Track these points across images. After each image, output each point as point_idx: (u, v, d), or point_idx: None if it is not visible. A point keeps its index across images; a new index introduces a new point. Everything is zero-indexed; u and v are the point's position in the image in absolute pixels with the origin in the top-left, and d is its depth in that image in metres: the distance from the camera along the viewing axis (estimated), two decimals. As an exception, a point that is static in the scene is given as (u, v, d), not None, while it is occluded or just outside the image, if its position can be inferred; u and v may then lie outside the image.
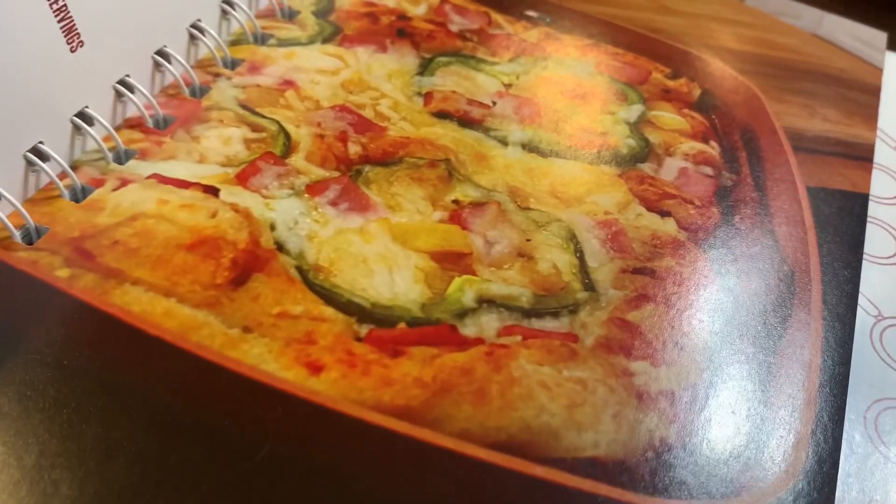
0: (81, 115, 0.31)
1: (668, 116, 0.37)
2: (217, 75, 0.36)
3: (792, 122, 0.38)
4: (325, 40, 0.39)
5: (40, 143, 0.30)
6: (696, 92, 0.39)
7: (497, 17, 0.42)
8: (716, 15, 0.44)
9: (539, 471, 0.24)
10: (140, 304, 0.26)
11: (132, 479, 0.22)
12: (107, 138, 0.32)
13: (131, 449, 0.23)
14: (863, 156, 0.36)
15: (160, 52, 0.34)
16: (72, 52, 0.30)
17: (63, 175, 0.30)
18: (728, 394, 0.26)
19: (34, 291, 0.27)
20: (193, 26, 0.36)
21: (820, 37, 0.44)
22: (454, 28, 0.41)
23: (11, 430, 0.23)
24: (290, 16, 0.40)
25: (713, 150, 0.36)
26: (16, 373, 0.24)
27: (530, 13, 0.43)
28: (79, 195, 0.30)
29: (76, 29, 0.30)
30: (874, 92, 0.40)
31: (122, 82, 0.33)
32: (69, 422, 0.23)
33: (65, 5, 0.30)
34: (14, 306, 0.26)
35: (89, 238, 0.28)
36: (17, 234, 0.28)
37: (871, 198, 0.35)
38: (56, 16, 0.29)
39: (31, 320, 0.26)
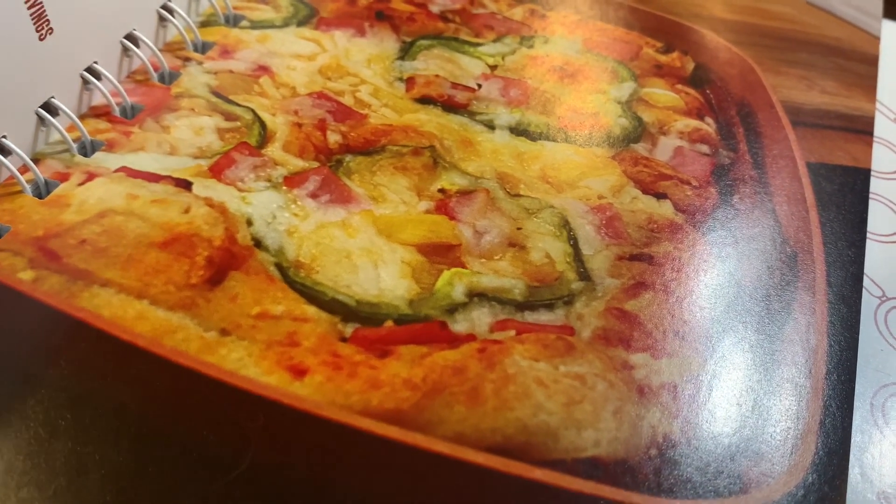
0: (46, 105, 0.29)
1: (661, 93, 0.36)
2: (187, 60, 0.34)
3: (790, 94, 0.36)
4: (301, 23, 0.37)
5: (3, 137, 0.28)
6: (690, 66, 0.38)
7: (480, -7, 0.41)
8: (708, -15, 0.43)
9: (538, 474, 0.22)
10: (111, 307, 0.25)
11: (106, 495, 0.21)
12: (71, 128, 0.30)
13: (105, 463, 0.22)
14: (863, 129, 0.35)
15: (129, 36, 0.32)
16: (40, 40, 0.28)
17: (24, 169, 0.28)
18: (732, 385, 0.25)
19: (-4, 297, 0.25)
20: (163, 7, 0.34)
21: (814, 4, 0.42)
22: (435, 9, 0.39)
23: (-26, 449, 0.21)
24: (263, -4, 0.38)
25: (709, 126, 0.35)
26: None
27: (514, -12, 0.41)
28: (42, 190, 0.28)
29: (46, 15, 0.28)
30: (872, 62, 0.39)
31: (89, 69, 0.31)
32: (37, 436, 0.22)
33: (36, -10, 0.28)
34: (-25, 314, 0.25)
35: (54, 237, 0.27)
36: (-23, 236, 0.26)
37: (872, 173, 0.33)
38: (26, 2, 0.27)
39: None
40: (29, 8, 0.27)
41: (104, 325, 0.25)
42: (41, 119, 0.29)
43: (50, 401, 0.23)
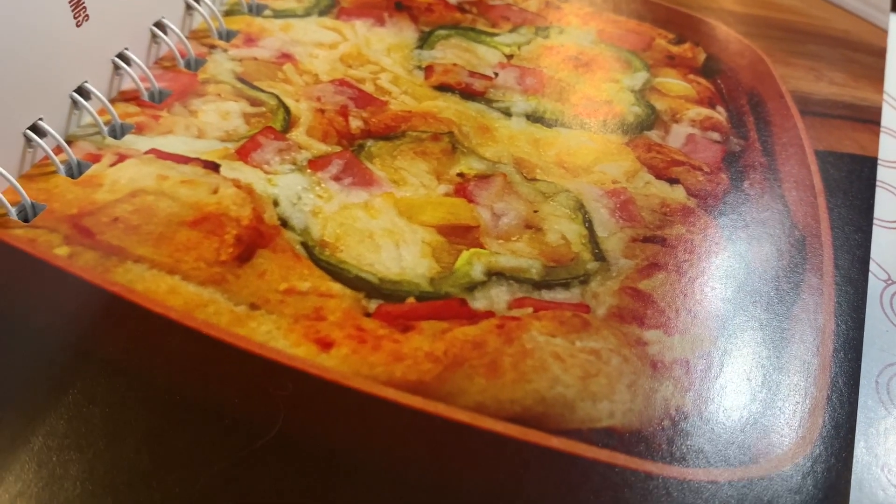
0: (79, 89, 0.30)
1: (673, 83, 0.37)
2: (212, 47, 0.35)
3: (798, 85, 0.37)
4: (322, 13, 0.38)
5: (40, 119, 0.29)
6: (701, 57, 0.39)
7: (496, -15, 0.42)
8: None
9: (555, 442, 0.23)
10: (144, 281, 0.26)
11: (142, 459, 0.22)
12: (102, 112, 0.31)
13: (140, 429, 0.23)
14: (870, 119, 0.36)
15: (157, 24, 0.33)
16: (77, 26, 0.29)
17: (58, 150, 0.29)
18: (743, 361, 0.26)
19: (33, 270, 0.26)
20: (189, -5, 0.35)
21: (824, -1, 0.43)
22: (453, 0, 0.40)
23: (16, 412, 0.22)
24: (285, -14, 0.39)
25: (720, 115, 0.35)
26: (16, 355, 0.24)
27: (529, -19, 0.42)
28: (74, 171, 0.29)
29: (84, 2, 0.29)
30: (880, 54, 0.39)
31: (120, 55, 0.32)
32: (75, 402, 0.23)
33: (76, -22, 0.29)
34: (12, 286, 0.26)
35: (88, 215, 0.28)
36: (13, 211, 0.27)
37: (879, 162, 0.34)
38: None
39: (30, 301, 0.25)
40: (68, -6, 0.28)
41: (138, 299, 0.26)
42: (74, 102, 0.30)
43: (87, 370, 0.24)
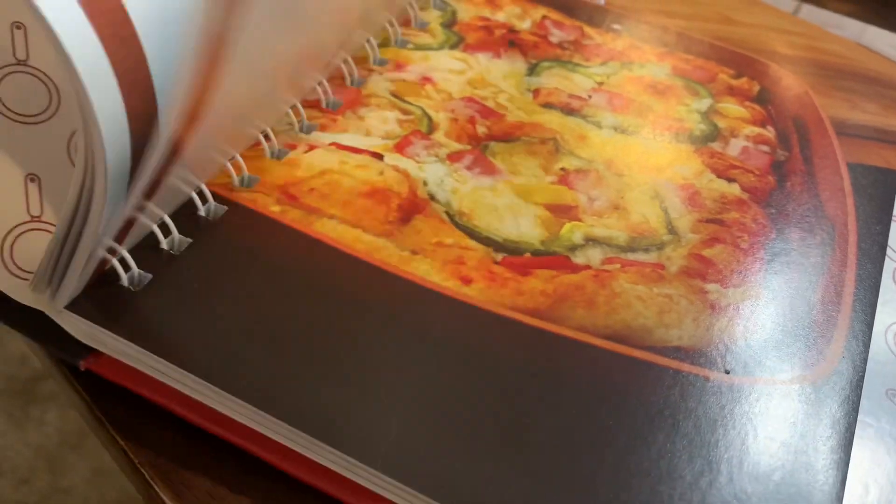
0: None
1: (732, 107, 0.46)
2: (370, 70, 0.45)
3: (836, 112, 0.46)
4: (452, 47, 0.48)
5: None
6: (756, 89, 0.48)
7: (589, 30, 0.51)
8: (773, 26, 0.53)
9: (638, 353, 0.32)
10: (336, 232, 0.36)
11: (343, 341, 0.31)
12: (295, 113, 0.41)
13: (335, 323, 0.32)
14: None
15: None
16: None
17: (265, 138, 0.40)
18: (780, 308, 0.34)
19: (255, 221, 0.36)
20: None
21: (862, 44, 0.51)
22: (554, 39, 0.50)
23: (261, 325, 0.32)
24: (422, 26, 0.50)
25: (769, 133, 0.44)
26: (257, 279, 0.33)
27: (616, 26, 0.52)
28: (276, 155, 0.39)
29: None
30: (907, 91, 0.48)
31: (319, 83, 0.42)
32: (294, 305, 0.32)
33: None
34: (242, 233, 0.35)
35: (291, 185, 0.38)
36: (237, 180, 0.38)
37: (901, 174, 0.42)
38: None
39: (254, 242, 0.35)
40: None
41: (334, 243, 0.35)
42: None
43: (291, 290, 0.33)
